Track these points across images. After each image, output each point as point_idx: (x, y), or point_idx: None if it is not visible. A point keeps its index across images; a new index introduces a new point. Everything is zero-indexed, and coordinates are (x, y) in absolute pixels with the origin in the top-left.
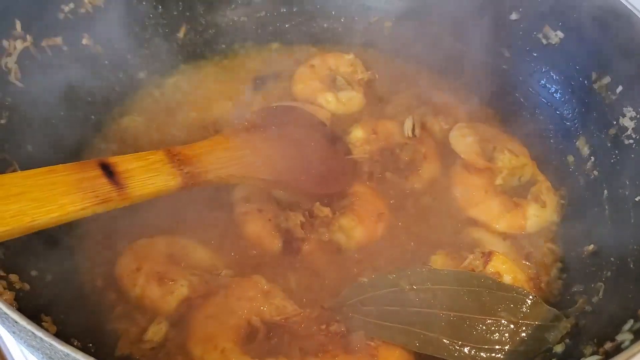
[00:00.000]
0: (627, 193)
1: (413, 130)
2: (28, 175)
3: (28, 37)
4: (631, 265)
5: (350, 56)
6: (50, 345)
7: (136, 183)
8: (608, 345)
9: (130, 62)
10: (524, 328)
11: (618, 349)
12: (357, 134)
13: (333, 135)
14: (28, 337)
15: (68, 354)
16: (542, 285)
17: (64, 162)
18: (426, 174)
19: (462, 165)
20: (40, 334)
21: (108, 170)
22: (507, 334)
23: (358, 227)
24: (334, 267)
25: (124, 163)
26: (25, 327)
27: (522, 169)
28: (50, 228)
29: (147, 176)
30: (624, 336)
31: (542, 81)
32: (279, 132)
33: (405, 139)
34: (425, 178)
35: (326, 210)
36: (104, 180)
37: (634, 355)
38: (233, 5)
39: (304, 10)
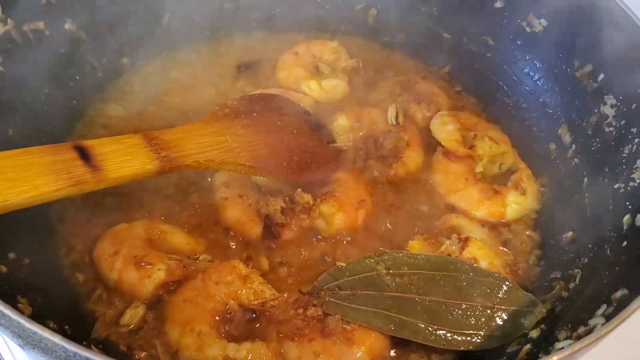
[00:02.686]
0: (606, 180)
1: (397, 118)
2: (3, 156)
3: (9, 21)
4: (608, 252)
5: (334, 44)
6: (19, 323)
7: (112, 166)
8: (581, 330)
9: (114, 47)
10: (499, 313)
11: (589, 332)
12: (341, 122)
13: (316, 123)
14: None
15: (35, 332)
16: (520, 271)
17: None
18: (409, 161)
19: (443, 153)
20: (8, 311)
21: (84, 153)
22: (483, 319)
23: (338, 213)
24: (312, 251)
25: (100, 146)
26: None
27: (502, 157)
28: (29, 211)
29: (123, 159)
30: (597, 320)
31: (525, 69)
32: (261, 119)
33: (388, 126)
34: (407, 165)
35: (307, 197)
36: (78, 162)
37: (602, 336)
38: None
39: None
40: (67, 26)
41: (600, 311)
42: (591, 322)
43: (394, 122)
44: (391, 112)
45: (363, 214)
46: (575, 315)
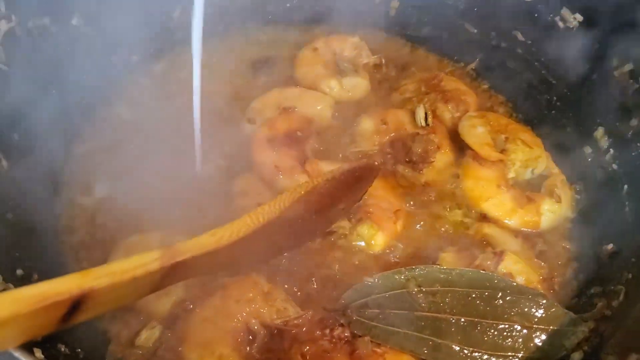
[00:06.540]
0: None
1: (426, 119)
2: None
3: (13, 17)
4: None
5: (355, 39)
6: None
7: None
8: (633, 358)
9: (123, 44)
10: (538, 333)
11: None
12: (366, 125)
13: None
14: None
15: None
16: (556, 286)
17: (51, 151)
18: (440, 165)
19: (473, 157)
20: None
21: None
22: (520, 340)
23: (378, 233)
24: (338, 264)
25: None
26: None
27: (535, 161)
28: (36, 221)
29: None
30: None
31: (557, 67)
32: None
33: (417, 128)
34: (438, 169)
35: (343, 223)
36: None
37: None
38: None
39: None
40: (74, 22)
41: None
42: None
43: (423, 124)
44: (420, 113)
45: (401, 224)
46: (623, 339)
